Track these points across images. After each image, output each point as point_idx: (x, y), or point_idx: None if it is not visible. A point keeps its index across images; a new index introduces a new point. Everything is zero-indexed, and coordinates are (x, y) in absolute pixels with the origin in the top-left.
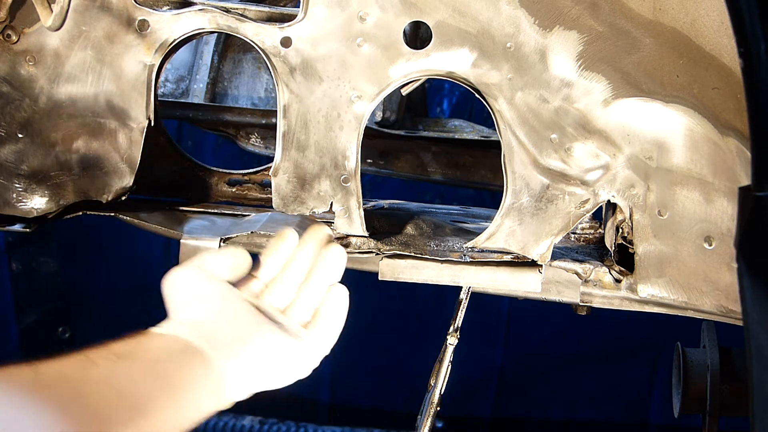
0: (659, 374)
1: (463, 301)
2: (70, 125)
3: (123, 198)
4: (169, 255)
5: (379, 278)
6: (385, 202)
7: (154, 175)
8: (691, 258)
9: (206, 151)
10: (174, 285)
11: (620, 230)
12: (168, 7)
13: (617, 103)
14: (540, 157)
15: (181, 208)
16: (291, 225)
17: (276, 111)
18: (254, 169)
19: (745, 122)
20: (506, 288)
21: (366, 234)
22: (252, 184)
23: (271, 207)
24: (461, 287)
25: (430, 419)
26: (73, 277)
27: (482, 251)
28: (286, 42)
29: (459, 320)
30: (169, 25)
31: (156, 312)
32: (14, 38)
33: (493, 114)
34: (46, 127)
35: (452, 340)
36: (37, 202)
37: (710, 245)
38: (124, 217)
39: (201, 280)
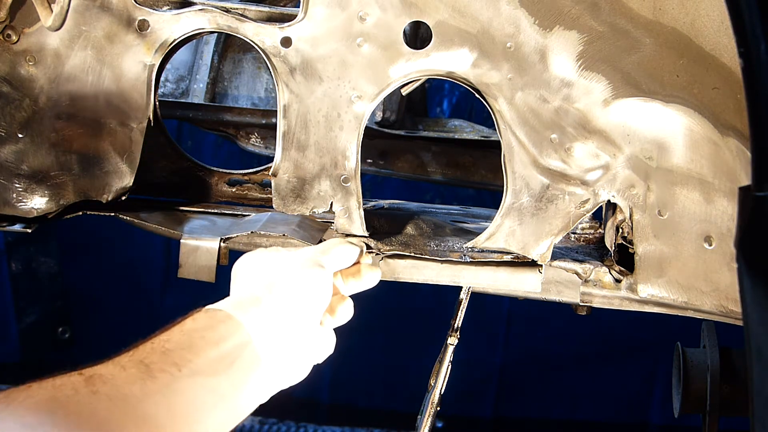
0: (659, 374)
1: (463, 301)
2: (70, 125)
3: (123, 198)
4: (169, 255)
5: (380, 278)
6: (385, 202)
7: (154, 175)
8: (691, 258)
9: (206, 151)
10: (237, 265)
11: (620, 230)
12: (168, 7)
13: (617, 103)
14: (540, 157)
15: (181, 208)
16: (291, 225)
17: (276, 111)
18: (254, 169)
19: (745, 122)
20: (506, 288)
21: (366, 234)
22: (252, 184)
23: (271, 207)
24: (461, 287)
25: (430, 419)
26: (73, 277)
27: (482, 251)
28: (286, 42)
29: (459, 320)
30: (169, 25)
31: (155, 312)
32: (14, 38)
33: (493, 114)
34: (46, 127)
35: (452, 340)
36: (37, 202)
37: (710, 245)
38: (124, 217)
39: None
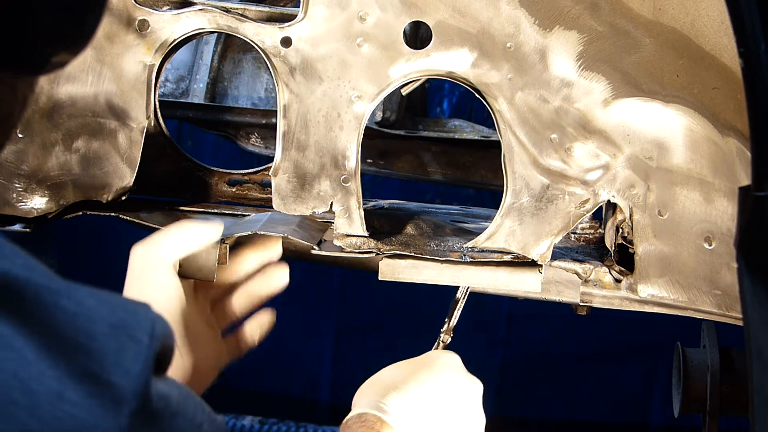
0: (659, 374)
1: (460, 300)
2: (70, 125)
3: (123, 198)
4: None
5: (379, 278)
6: (385, 202)
7: (154, 175)
8: (691, 258)
9: (206, 151)
10: (136, 271)
11: (620, 230)
12: (168, 7)
13: (617, 103)
14: (540, 157)
15: (181, 208)
16: (291, 225)
17: (276, 111)
18: (254, 169)
19: (745, 122)
20: (506, 288)
21: (366, 234)
22: (252, 184)
23: (271, 207)
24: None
25: None
26: (73, 277)
27: (482, 251)
28: (286, 42)
29: (454, 319)
30: (169, 25)
31: None
32: None
33: (493, 114)
34: (46, 127)
35: (445, 338)
36: (37, 202)
37: (710, 245)
38: (124, 217)
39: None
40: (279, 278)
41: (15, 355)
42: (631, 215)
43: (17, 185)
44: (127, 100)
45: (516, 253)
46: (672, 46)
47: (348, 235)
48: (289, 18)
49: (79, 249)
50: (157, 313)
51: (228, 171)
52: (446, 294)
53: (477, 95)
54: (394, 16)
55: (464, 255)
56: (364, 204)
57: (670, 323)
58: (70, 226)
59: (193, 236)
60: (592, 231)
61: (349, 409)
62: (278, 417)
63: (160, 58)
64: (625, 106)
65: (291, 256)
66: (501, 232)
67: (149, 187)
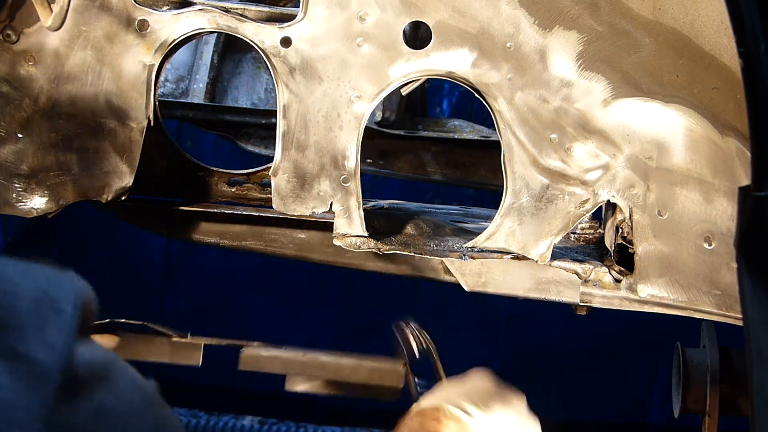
0: (659, 374)
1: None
2: (70, 125)
3: (123, 198)
4: (169, 255)
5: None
6: (385, 202)
7: (154, 175)
8: (691, 258)
9: (206, 151)
10: None
11: (620, 230)
12: (168, 7)
13: (617, 103)
14: (540, 157)
15: (181, 208)
16: None
17: (276, 111)
18: (254, 169)
19: (745, 122)
20: None
21: (366, 234)
22: (252, 184)
23: (271, 207)
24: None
25: None
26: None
27: (482, 251)
28: (285, 42)
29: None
30: (169, 25)
31: (155, 313)
32: (14, 38)
33: (493, 114)
34: (46, 127)
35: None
36: (37, 202)
37: (710, 245)
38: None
39: None
40: None
41: None
42: (630, 215)
43: (17, 185)
44: (127, 100)
45: (516, 253)
46: (672, 46)
47: (348, 235)
48: (289, 18)
49: (79, 249)
50: (81, 280)
51: (228, 171)
52: (446, 294)
53: (477, 95)
54: (394, 16)
55: (464, 255)
56: (364, 204)
57: (670, 323)
58: (70, 226)
59: None
60: (592, 231)
61: (348, 410)
62: (278, 417)
63: (160, 58)
64: (625, 106)
65: (292, 256)
66: (501, 232)
67: (149, 187)
